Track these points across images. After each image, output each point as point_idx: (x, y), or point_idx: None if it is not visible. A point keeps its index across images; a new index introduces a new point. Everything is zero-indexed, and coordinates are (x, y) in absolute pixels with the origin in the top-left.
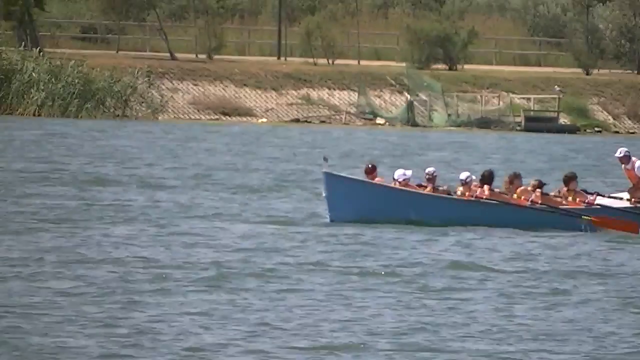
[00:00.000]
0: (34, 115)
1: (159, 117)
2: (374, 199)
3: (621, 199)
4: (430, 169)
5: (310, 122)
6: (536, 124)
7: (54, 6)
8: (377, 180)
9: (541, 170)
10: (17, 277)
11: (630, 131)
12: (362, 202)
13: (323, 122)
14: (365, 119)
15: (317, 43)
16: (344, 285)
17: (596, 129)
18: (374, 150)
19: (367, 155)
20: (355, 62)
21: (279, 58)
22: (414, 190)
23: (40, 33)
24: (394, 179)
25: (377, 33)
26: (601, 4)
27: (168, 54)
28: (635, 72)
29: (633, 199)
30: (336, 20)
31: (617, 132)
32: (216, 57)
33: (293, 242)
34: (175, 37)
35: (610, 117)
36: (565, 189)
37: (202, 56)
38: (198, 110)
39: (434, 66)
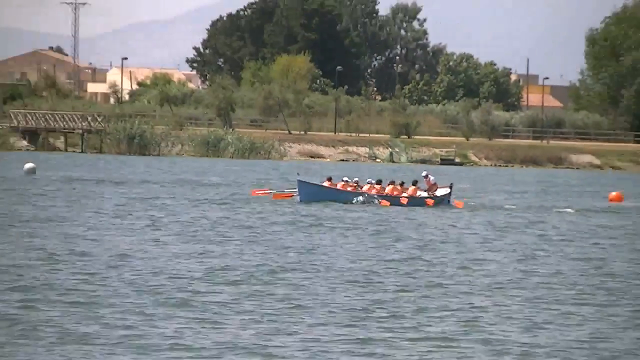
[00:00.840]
0: (229, 157)
1: (284, 158)
2: (315, 191)
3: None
4: (355, 178)
5: (347, 160)
6: (445, 161)
7: (239, 110)
8: (328, 183)
9: (446, 180)
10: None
11: (487, 165)
12: (311, 193)
13: (354, 160)
14: (371, 159)
15: (352, 126)
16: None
17: (470, 164)
18: (374, 172)
19: (371, 175)
20: (368, 134)
21: (335, 133)
22: (332, 187)
23: (233, 122)
24: (342, 180)
25: (378, 121)
26: (474, 110)
27: (287, 131)
28: (488, 139)
29: (429, 192)
30: (360, 117)
31: (480, 165)
32: (309, 132)
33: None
34: (290, 123)
35: (477, 159)
36: (412, 187)
37: (302, 132)
38: (300, 155)
39: (402, 136)
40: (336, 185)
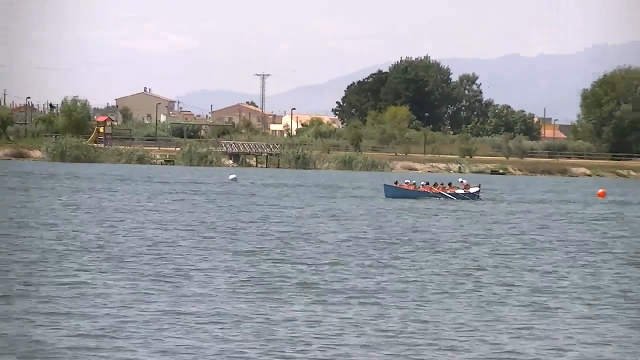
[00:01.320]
0: (358, 170)
1: (392, 171)
2: (393, 191)
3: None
4: (414, 180)
5: (432, 172)
6: (493, 172)
7: (365, 141)
8: (399, 185)
9: (483, 181)
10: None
11: (519, 174)
12: (392, 191)
13: (437, 172)
14: (447, 171)
15: (435, 151)
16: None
17: (509, 173)
18: (448, 179)
19: (451, 180)
20: (445, 155)
21: (424, 154)
22: (401, 187)
23: (361, 148)
24: (404, 181)
25: (451, 147)
26: (511, 140)
27: (394, 154)
28: (520, 158)
29: (464, 190)
30: (440, 145)
31: (515, 174)
32: (408, 154)
33: (371, 203)
34: (397, 149)
35: (513, 170)
36: (448, 186)
37: (404, 154)
38: (402, 169)
39: (466, 156)
40: (402, 185)
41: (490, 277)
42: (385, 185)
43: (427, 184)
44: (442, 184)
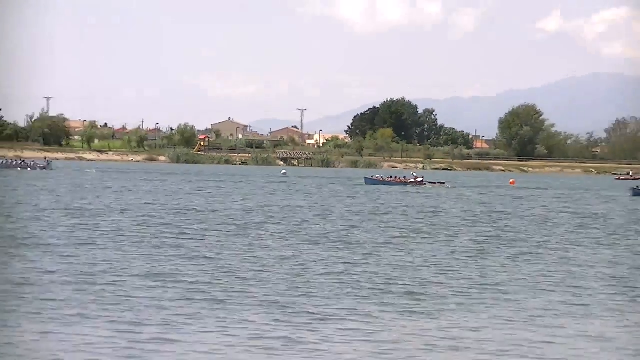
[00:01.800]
0: (361, 168)
1: (382, 168)
2: (371, 180)
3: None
4: (382, 175)
5: (407, 169)
6: (445, 169)
7: (365, 150)
8: (373, 177)
9: (446, 177)
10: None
11: (460, 171)
12: (370, 181)
13: (409, 169)
14: (416, 168)
15: (408, 156)
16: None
17: (455, 170)
18: (408, 174)
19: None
20: (414, 159)
21: (401, 158)
22: (375, 179)
23: (363, 154)
24: (375, 175)
25: (418, 154)
26: (455, 149)
27: (382, 157)
28: (461, 160)
29: (414, 180)
30: (411, 152)
31: (457, 171)
32: (392, 158)
33: (355, 188)
34: (385, 154)
35: (457, 168)
36: (404, 177)
37: (388, 157)
38: (388, 167)
39: (427, 159)
40: (375, 178)
41: (441, 233)
42: (365, 177)
43: (391, 177)
44: (399, 177)
